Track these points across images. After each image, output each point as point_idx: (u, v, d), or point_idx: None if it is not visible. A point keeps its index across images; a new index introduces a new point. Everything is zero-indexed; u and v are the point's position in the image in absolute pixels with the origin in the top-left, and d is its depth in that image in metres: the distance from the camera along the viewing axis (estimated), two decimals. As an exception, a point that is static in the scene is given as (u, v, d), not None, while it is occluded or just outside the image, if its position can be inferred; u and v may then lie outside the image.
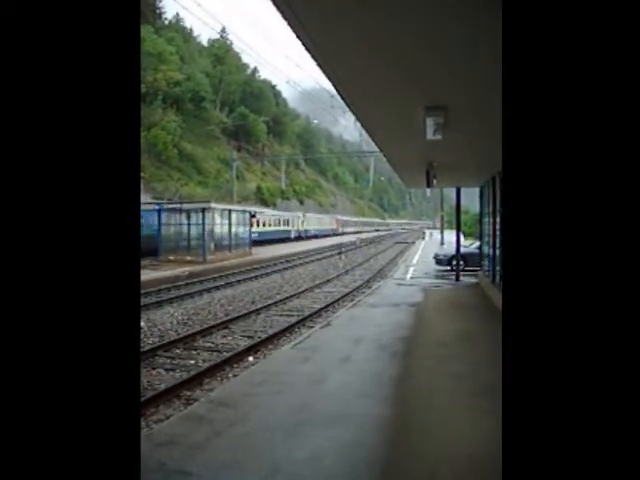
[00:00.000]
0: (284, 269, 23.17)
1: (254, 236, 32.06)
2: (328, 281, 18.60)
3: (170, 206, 24.66)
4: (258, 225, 35.30)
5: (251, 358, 8.42)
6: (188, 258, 22.77)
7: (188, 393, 6.77)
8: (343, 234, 56.32)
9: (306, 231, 47.12)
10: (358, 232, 61.97)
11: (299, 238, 44.60)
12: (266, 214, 38.50)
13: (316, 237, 48.04)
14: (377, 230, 75.24)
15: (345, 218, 64.29)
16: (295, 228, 44.98)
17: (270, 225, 39.50)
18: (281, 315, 12.17)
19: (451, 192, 19.55)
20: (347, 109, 5.39)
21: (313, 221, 50.08)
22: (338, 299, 14.19)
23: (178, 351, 8.93)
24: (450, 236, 32.16)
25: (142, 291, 13.67)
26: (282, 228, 42.20)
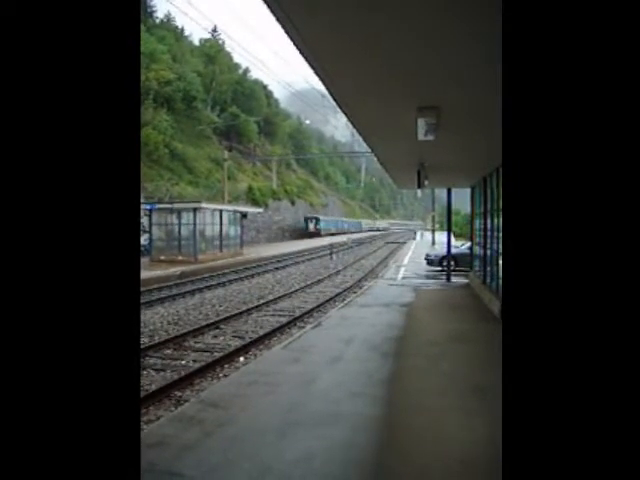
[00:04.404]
0: (275, 269, 23.17)
1: (365, 228, 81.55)
2: (319, 281, 18.61)
3: (161, 206, 24.59)
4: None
5: (242, 358, 8.41)
6: (179, 258, 22.72)
7: (178, 394, 6.75)
8: (389, 230, 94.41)
9: (378, 228, 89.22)
10: (399, 230, 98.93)
11: (376, 230, 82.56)
12: (368, 221, 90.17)
13: (380, 230, 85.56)
14: (408, 228, 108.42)
15: (391, 221, 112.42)
16: (377, 227, 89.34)
17: (381, 225, 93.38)
18: (272, 315, 12.16)
19: (442, 193, 19.60)
20: (339, 109, 5.38)
21: (380, 222, 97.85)
22: (329, 299, 14.20)
23: (169, 351, 8.90)
24: (441, 236, 32.29)
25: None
26: (376, 226, 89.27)
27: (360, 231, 73.98)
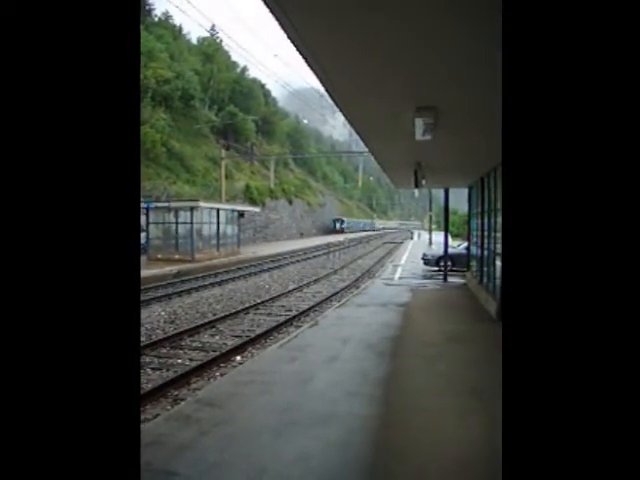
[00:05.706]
0: (272, 268, 23.15)
1: (378, 227, 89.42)
2: (316, 281, 18.60)
3: (158, 204, 24.51)
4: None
5: (238, 357, 8.40)
6: (176, 256, 22.67)
7: (175, 392, 6.74)
8: (398, 229, 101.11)
9: (388, 227, 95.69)
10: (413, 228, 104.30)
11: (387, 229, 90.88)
12: (379, 221, 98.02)
13: (391, 229, 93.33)
14: (414, 227, 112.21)
15: (400, 222, 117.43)
16: (388, 226, 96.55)
17: (392, 225, 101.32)
18: (269, 314, 12.15)
19: (440, 192, 19.57)
20: (337, 109, 5.38)
21: (391, 222, 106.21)
22: (326, 299, 14.19)
23: (165, 350, 8.88)
24: (438, 236, 32.30)
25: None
26: (387, 226, 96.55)
27: (373, 230, 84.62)
